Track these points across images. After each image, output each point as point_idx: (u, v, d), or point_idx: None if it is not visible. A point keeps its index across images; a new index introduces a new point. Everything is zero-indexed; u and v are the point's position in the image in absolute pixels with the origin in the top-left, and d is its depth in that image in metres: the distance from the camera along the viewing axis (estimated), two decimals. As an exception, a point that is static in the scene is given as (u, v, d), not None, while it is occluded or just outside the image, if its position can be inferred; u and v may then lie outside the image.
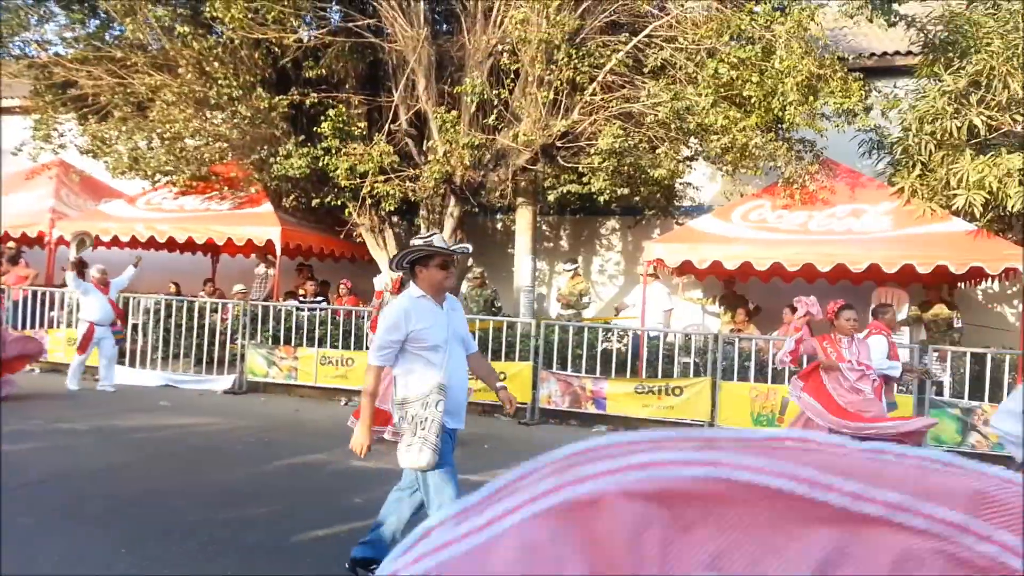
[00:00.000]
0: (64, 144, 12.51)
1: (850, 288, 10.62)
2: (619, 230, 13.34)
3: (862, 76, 9.68)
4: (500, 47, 10.62)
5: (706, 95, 9.37)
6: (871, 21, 10.09)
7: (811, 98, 9.33)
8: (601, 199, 10.50)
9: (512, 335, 9.76)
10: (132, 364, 10.53)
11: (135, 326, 10.87)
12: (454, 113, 10.48)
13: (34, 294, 11.22)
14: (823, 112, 9.61)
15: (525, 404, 9.21)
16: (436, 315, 3.75)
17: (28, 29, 12.27)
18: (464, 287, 11.02)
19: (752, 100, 9.40)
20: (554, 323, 9.87)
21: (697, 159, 11.07)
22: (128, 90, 11.36)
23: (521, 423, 9.10)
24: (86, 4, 12.18)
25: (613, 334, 10.01)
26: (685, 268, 10.68)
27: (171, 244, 12.86)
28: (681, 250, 9.90)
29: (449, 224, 11.29)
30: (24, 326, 11.02)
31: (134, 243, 12.55)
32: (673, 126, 9.81)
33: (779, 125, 9.86)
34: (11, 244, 12.71)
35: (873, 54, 11.94)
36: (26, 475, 5.75)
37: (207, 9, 10.13)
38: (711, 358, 8.83)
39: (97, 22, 12.30)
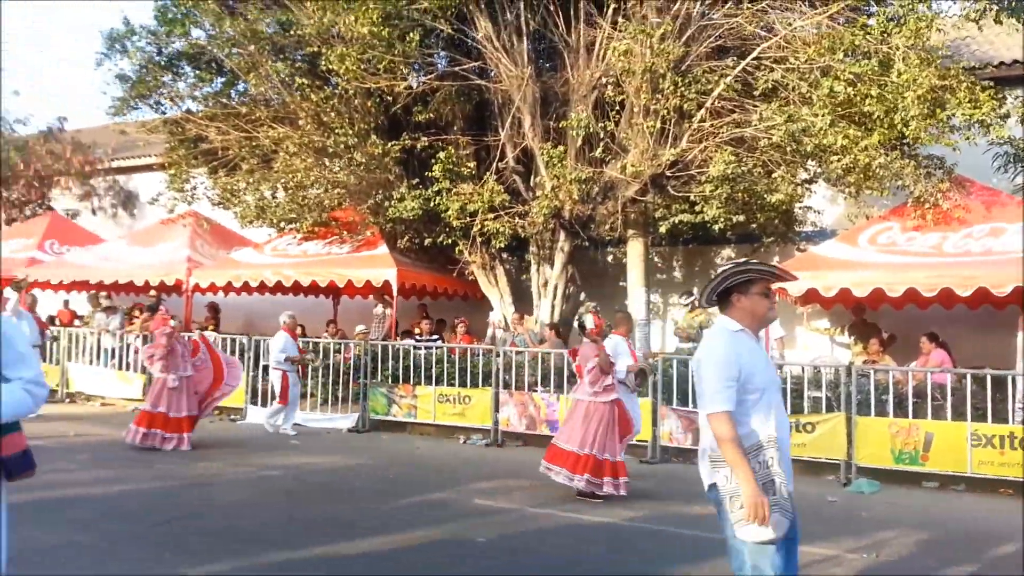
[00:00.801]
0: (196, 196, 13.37)
1: (993, 313, 9.84)
2: (736, 258, 12.95)
3: (993, 85, 9.03)
4: (604, 80, 10.63)
5: (822, 115, 8.99)
6: (999, 23, 9.40)
7: (937, 111, 8.79)
8: (715, 227, 10.23)
9: (627, 370, 9.59)
10: (264, 404, 11.02)
11: (265, 368, 11.39)
12: (561, 148, 10.52)
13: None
14: (952, 125, 9.04)
15: (645, 442, 9.01)
16: (759, 352, 3.23)
17: (162, 88, 13.26)
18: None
19: (873, 117, 8.95)
20: (672, 357, 9.64)
21: (817, 182, 10.63)
22: (254, 143, 12.04)
23: (642, 462, 8.90)
24: (213, 63, 13.07)
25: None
26: (810, 296, 10.19)
27: (296, 287, 13.46)
28: (804, 278, 9.48)
29: (559, 259, 11.30)
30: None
31: (263, 288, 13.21)
32: (789, 149, 9.46)
33: (903, 142, 9.34)
34: (152, 293, 13.66)
35: (1002, 63, 11.16)
36: (168, 512, 6.08)
37: (323, 62, 10.65)
38: (844, 392, 8.35)
39: (223, 80, 13.16)
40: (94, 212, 18.21)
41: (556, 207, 10.51)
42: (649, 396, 9.12)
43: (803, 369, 9.07)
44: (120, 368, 12.51)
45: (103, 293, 14.36)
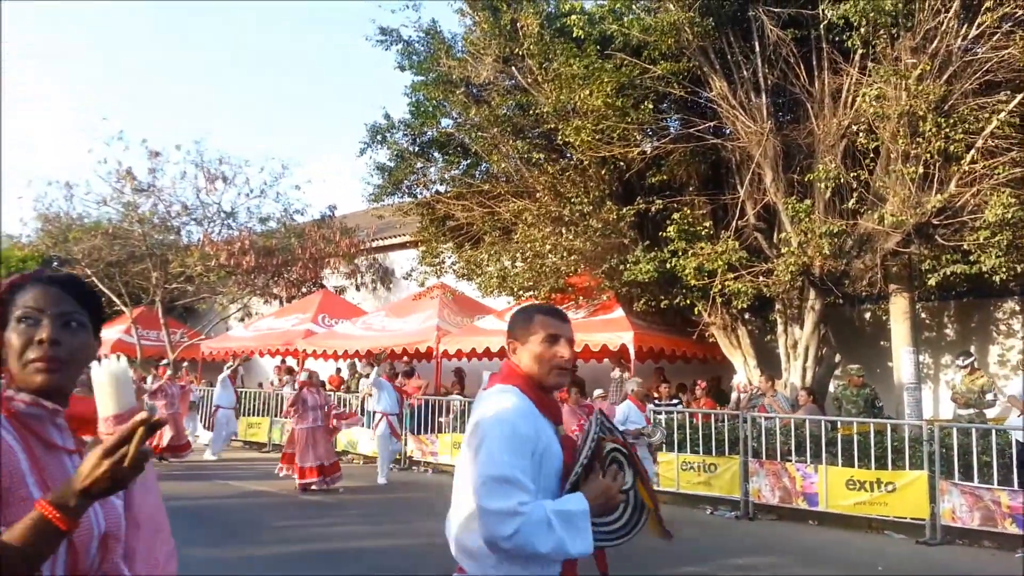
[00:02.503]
0: (444, 269, 14.38)
1: None
2: (1020, 313, 11.34)
3: None
4: (854, 127, 9.99)
5: None
6: None
7: None
8: (995, 279, 9.05)
9: (898, 439, 8.63)
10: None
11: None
12: (807, 202, 9.98)
13: (427, 403, 12.79)
14: None
15: (923, 520, 7.98)
16: None
17: (415, 174, 14.59)
18: (834, 387, 10.13)
19: None
20: (951, 425, 8.53)
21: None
22: (495, 217, 12.77)
23: (919, 543, 7.87)
24: (459, 148, 14.19)
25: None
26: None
27: (534, 353, 13.83)
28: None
29: (810, 318, 10.59)
30: (419, 431, 12.56)
31: (502, 353, 13.73)
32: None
33: None
34: (405, 359, 14.78)
35: None
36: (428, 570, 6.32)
37: (559, 136, 11.11)
38: None
39: (468, 161, 14.22)
40: (357, 288, 20.23)
41: (804, 263, 9.91)
42: (925, 469, 8.11)
43: None
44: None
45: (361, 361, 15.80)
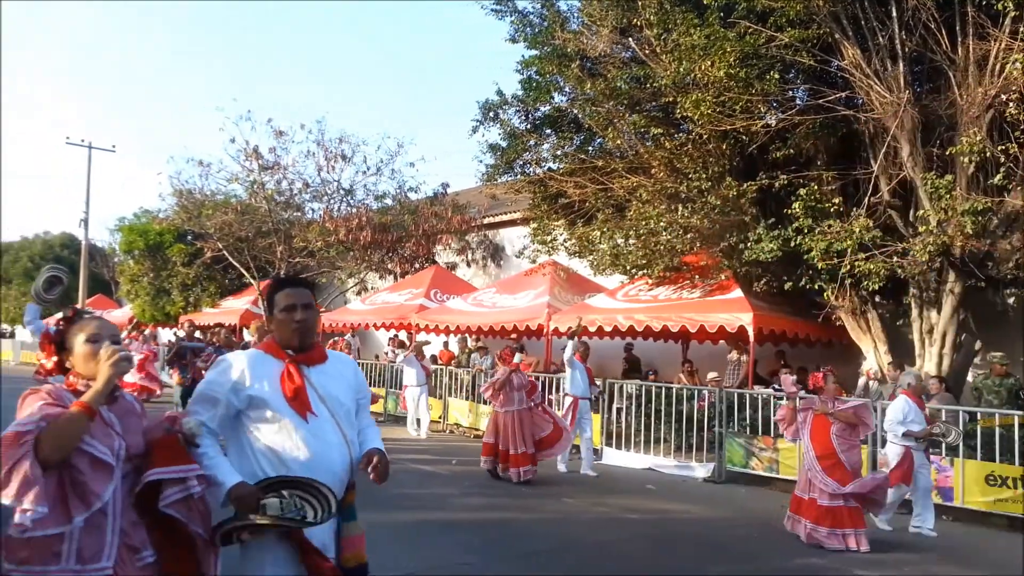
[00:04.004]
0: (556, 247, 14.32)
1: None
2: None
3: None
4: (1002, 96, 9.17)
5: None
6: None
7: None
8: None
9: (1047, 435, 7.95)
10: (618, 446, 11.21)
11: (618, 410, 11.61)
12: (948, 177, 9.28)
13: (536, 379, 12.80)
14: None
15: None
16: None
17: (527, 152, 14.57)
18: (972, 376, 9.44)
19: None
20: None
21: None
22: (608, 194, 12.57)
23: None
24: (572, 123, 14.03)
25: None
26: None
27: (647, 332, 13.63)
28: None
29: (949, 302, 9.89)
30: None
31: (615, 332, 13.60)
32: None
33: None
34: (513, 336, 14.86)
35: None
36: (534, 544, 6.36)
37: (678, 110, 10.77)
38: None
39: (581, 138, 14.05)
40: (468, 264, 20.52)
41: (943, 244, 9.23)
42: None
43: None
44: (489, 404, 13.72)
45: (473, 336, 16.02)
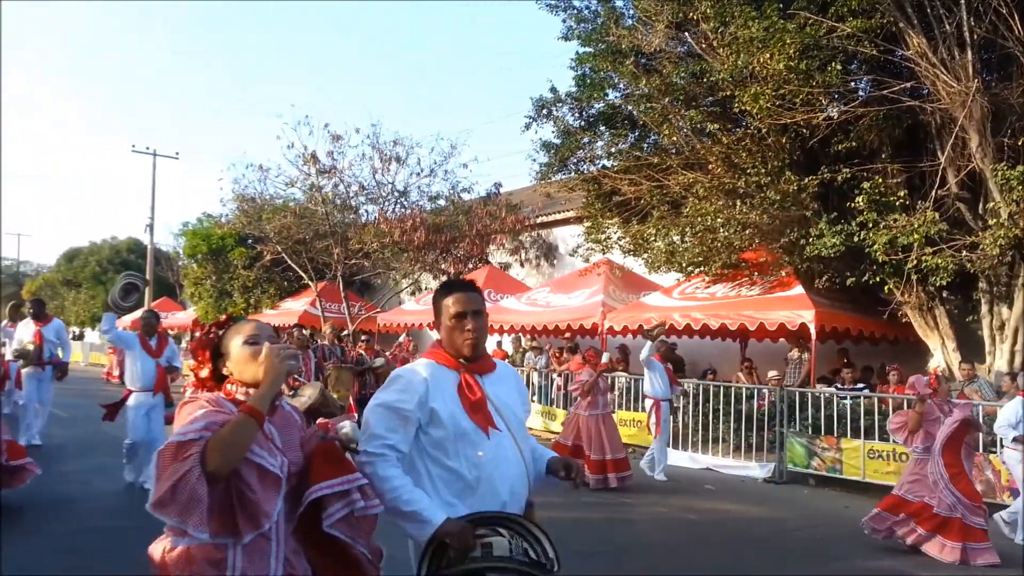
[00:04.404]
0: (610, 245, 14.23)
1: None
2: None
3: None
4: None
5: None
6: None
7: None
8: None
9: None
10: (676, 447, 11.09)
11: (676, 409, 11.49)
12: (1020, 168, 8.94)
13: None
14: None
15: None
16: None
17: (581, 150, 14.51)
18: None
19: None
20: None
21: None
22: (664, 191, 12.44)
23: None
24: (626, 121, 13.93)
25: None
26: None
27: (704, 330, 13.45)
28: None
29: (1021, 297, 9.55)
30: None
31: (671, 331, 13.44)
32: None
33: None
34: (567, 336, 14.82)
35: None
36: (594, 545, 6.33)
37: (736, 104, 10.60)
38: None
39: (635, 134, 13.93)
40: (522, 264, 20.54)
41: (1016, 236, 8.90)
42: None
43: None
44: (542, 403, 13.73)
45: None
